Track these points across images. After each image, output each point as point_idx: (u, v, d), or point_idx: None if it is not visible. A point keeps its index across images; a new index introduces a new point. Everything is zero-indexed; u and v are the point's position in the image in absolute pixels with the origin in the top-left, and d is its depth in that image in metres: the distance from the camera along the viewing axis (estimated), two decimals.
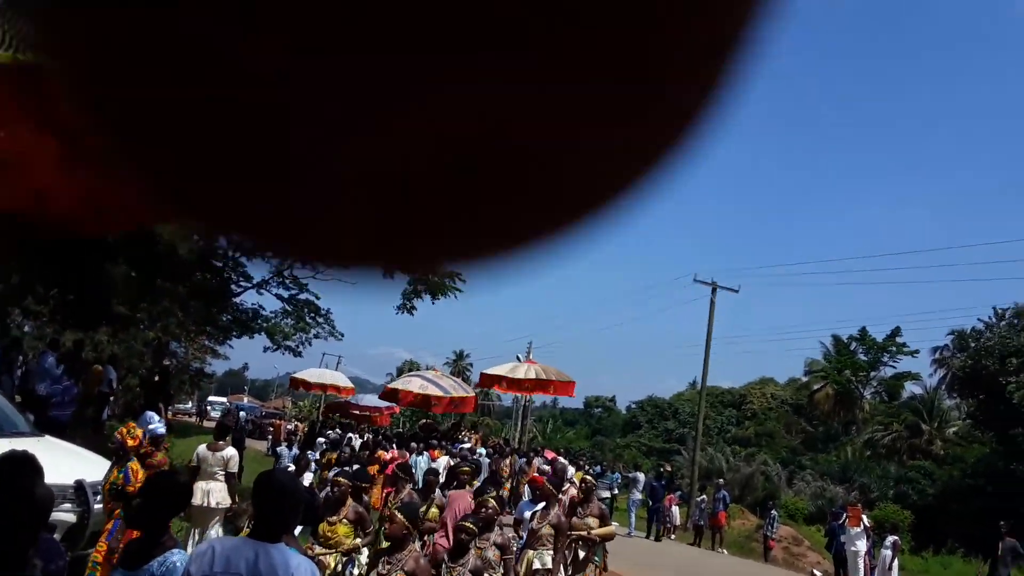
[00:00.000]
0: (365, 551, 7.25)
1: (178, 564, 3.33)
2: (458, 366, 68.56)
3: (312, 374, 28.82)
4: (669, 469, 25.57)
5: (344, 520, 6.76)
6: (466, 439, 20.14)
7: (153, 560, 3.34)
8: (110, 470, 6.89)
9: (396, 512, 5.40)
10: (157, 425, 10.52)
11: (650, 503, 21.85)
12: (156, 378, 25.50)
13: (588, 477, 9.49)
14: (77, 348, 18.14)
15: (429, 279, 19.25)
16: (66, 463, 7.49)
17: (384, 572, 5.23)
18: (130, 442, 7.12)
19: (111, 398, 17.93)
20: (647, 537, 20.83)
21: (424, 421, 25.75)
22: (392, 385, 23.02)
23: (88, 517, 7.27)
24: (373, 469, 14.57)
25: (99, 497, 7.55)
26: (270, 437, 32.83)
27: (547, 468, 17.93)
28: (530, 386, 21.37)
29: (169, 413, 23.34)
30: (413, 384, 21.64)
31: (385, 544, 6.87)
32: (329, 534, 6.72)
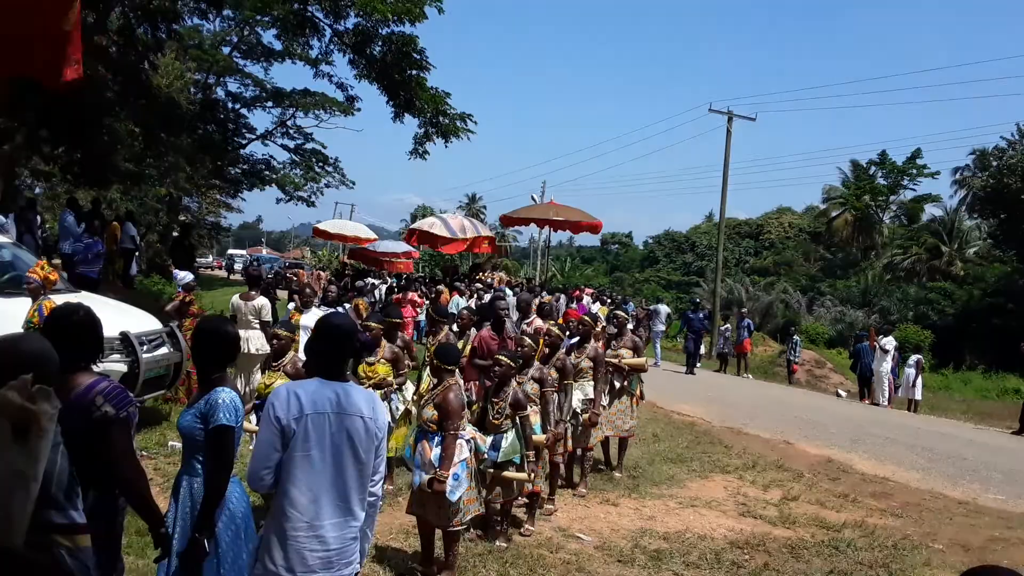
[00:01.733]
0: (409, 385, 7.46)
1: (223, 400, 3.34)
2: (472, 209, 68.57)
3: (333, 225, 28.98)
4: (699, 302, 25.42)
5: (382, 360, 7.03)
6: (490, 279, 20.35)
7: (202, 399, 3.40)
8: (29, 309, 6.86)
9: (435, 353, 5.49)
10: (186, 274, 10.66)
11: (688, 334, 21.65)
12: (176, 233, 25.63)
13: (620, 312, 9.56)
14: (95, 206, 18.08)
15: (440, 121, 18.83)
16: (107, 316, 7.57)
17: (423, 404, 5.46)
18: (52, 277, 7.17)
19: (136, 253, 18.07)
20: (687, 372, 20.56)
21: (446, 264, 26.01)
22: (415, 226, 23.02)
23: (138, 366, 7.46)
24: (405, 311, 14.88)
25: (145, 347, 7.75)
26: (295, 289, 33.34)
27: (573, 306, 18.27)
28: (551, 225, 21.44)
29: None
30: (436, 227, 21.62)
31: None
32: (369, 374, 6.94)
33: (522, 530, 6.49)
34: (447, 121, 18.92)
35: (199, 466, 3.35)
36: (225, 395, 3.35)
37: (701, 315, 22.24)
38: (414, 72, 17.96)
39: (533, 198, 40.24)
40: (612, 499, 7.77)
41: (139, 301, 10.98)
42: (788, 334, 24.33)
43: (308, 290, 10.48)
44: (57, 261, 14.13)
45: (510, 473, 5.94)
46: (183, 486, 3.38)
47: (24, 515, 2.26)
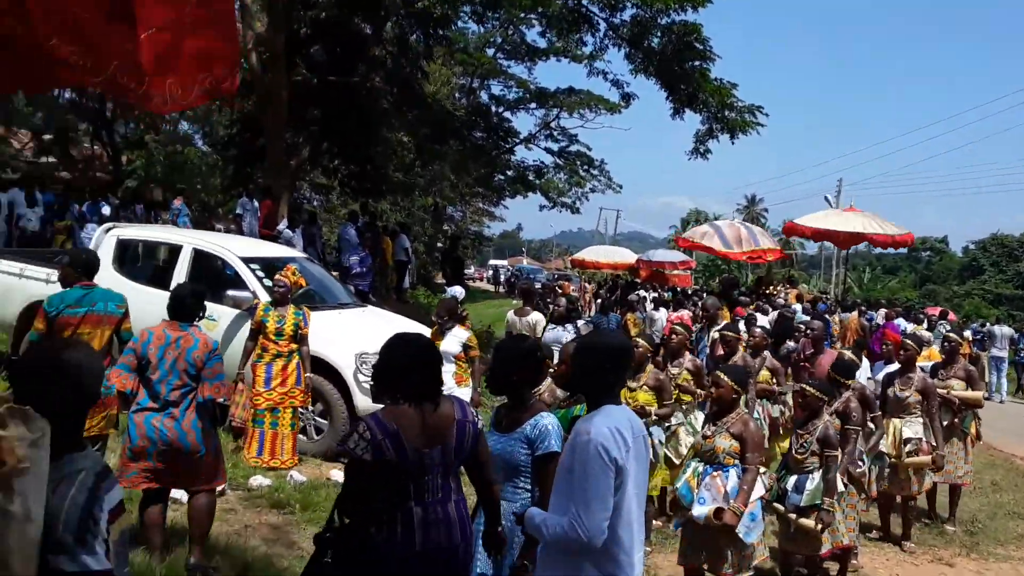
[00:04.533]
0: (699, 415, 7.38)
1: (550, 427, 3.63)
2: (751, 212, 66.66)
3: (592, 252, 29.62)
4: None
5: (644, 386, 6.74)
6: (779, 294, 19.59)
7: (525, 423, 3.68)
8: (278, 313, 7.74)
9: (722, 374, 5.36)
10: (458, 289, 11.47)
11: None
12: (442, 244, 27.66)
13: (951, 334, 8.82)
14: (372, 219, 19.92)
15: (726, 116, 18.50)
16: (391, 330, 8.38)
17: (708, 434, 5.29)
18: (301, 282, 8.08)
19: (408, 266, 19.68)
20: None
21: (725, 275, 25.41)
22: (687, 235, 22.79)
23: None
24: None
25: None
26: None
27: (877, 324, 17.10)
28: (847, 239, 19.66)
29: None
30: (708, 236, 21.23)
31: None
32: (629, 400, 6.61)
33: None
34: (733, 115, 18.57)
35: (516, 491, 3.64)
36: (551, 420, 3.62)
37: None
38: (697, 63, 17.86)
39: (827, 199, 38.29)
40: (946, 558, 7.24)
41: (411, 314, 11.97)
42: None
43: (564, 304, 10.37)
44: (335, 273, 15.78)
45: (806, 521, 5.72)
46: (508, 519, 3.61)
47: (26, 560, 2.08)
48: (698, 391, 7.32)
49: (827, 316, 14.41)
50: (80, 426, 2.34)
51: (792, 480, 5.81)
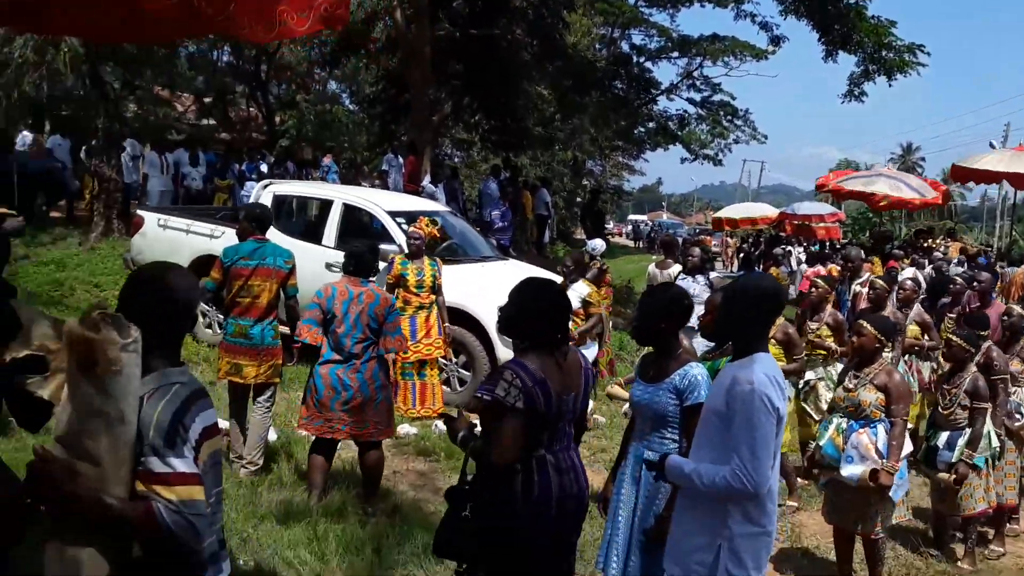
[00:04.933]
0: (839, 367, 7.04)
1: (699, 377, 3.57)
2: (906, 162, 63.08)
3: (733, 210, 28.60)
4: None
5: (771, 340, 6.21)
6: (939, 247, 18.47)
7: (673, 373, 3.62)
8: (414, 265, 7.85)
9: (865, 323, 5.13)
10: (599, 242, 11.40)
11: None
12: (580, 199, 27.59)
13: None
14: (514, 173, 20.02)
15: (884, 56, 17.50)
16: None
17: (851, 387, 5.03)
18: (436, 233, 8.15)
19: (548, 220, 19.72)
20: None
21: (877, 228, 24.15)
22: (836, 183, 21.52)
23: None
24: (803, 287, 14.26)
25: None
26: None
27: None
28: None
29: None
30: (858, 183, 20.05)
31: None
32: None
33: (987, 550, 5.94)
34: (891, 55, 17.60)
35: (663, 442, 3.62)
36: (701, 371, 3.59)
37: None
38: (852, 1, 16.96)
39: (992, 146, 35.66)
40: None
41: (551, 269, 12.01)
42: None
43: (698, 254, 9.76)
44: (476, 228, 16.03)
45: (943, 476, 5.50)
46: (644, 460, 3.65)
47: (118, 461, 2.15)
48: (835, 347, 7.04)
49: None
50: (176, 344, 2.43)
51: (943, 437, 5.57)
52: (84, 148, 16.44)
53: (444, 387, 8.37)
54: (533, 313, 3.22)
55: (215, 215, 11.31)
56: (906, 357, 7.73)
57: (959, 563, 5.67)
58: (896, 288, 8.37)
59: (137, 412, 2.19)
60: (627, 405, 6.15)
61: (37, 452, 2.15)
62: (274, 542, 4.78)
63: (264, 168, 16.35)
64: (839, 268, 15.83)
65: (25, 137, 18.92)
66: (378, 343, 5.39)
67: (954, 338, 5.73)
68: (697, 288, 8.60)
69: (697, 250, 8.62)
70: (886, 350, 7.40)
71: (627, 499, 3.76)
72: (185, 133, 22.83)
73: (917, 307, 8.10)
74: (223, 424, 6.61)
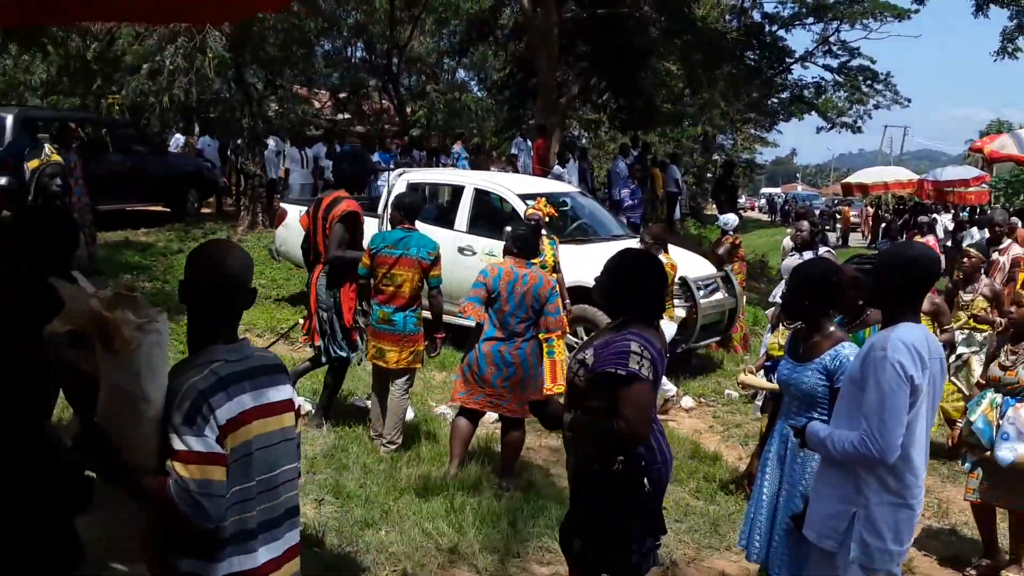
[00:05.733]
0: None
1: (850, 357, 3.40)
2: None
3: (864, 175, 27.11)
4: None
5: None
6: None
7: (824, 353, 3.51)
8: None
9: (1023, 294, 4.82)
10: (732, 216, 11.14)
11: None
12: (712, 174, 26.92)
13: None
14: (644, 151, 19.82)
15: None
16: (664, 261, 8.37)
17: (1008, 364, 4.74)
18: (552, 212, 7.81)
19: (679, 197, 19.43)
20: None
21: None
22: (982, 145, 20.00)
23: (696, 311, 8.12)
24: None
25: (702, 292, 8.40)
26: (838, 227, 32.67)
27: None
28: None
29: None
30: (1009, 146, 18.60)
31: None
32: None
33: None
34: None
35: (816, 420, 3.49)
36: (852, 351, 3.45)
37: None
38: None
39: None
40: None
41: (682, 246, 11.84)
42: None
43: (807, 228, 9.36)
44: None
45: None
46: (791, 442, 3.60)
47: (141, 437, 2.19)
48: (997, 319, 6.64)
49: None
50: (230, 321, 2.43)
51: None
52: (230, 147, 17.36)
53: None
54: (634, 285, 3.20)
55: None
56: None
57: None
58: None
59: (164, 389, 2.23)
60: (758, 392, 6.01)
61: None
62: (414, 514, 4.96)
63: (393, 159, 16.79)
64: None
65: (178, 140, 20.11)
66: (539, 323, 5.51)
67: None
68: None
69: (806, 224, 8.20)
70: None
71: (771, 478, 3.72)
72: (323, 128, 23.69)
73: None
74: (361, 403, 6.91)
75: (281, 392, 2.45)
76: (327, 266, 6.11)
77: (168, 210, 14.89)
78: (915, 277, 3.04)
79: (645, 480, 3.13)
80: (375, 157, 16.72)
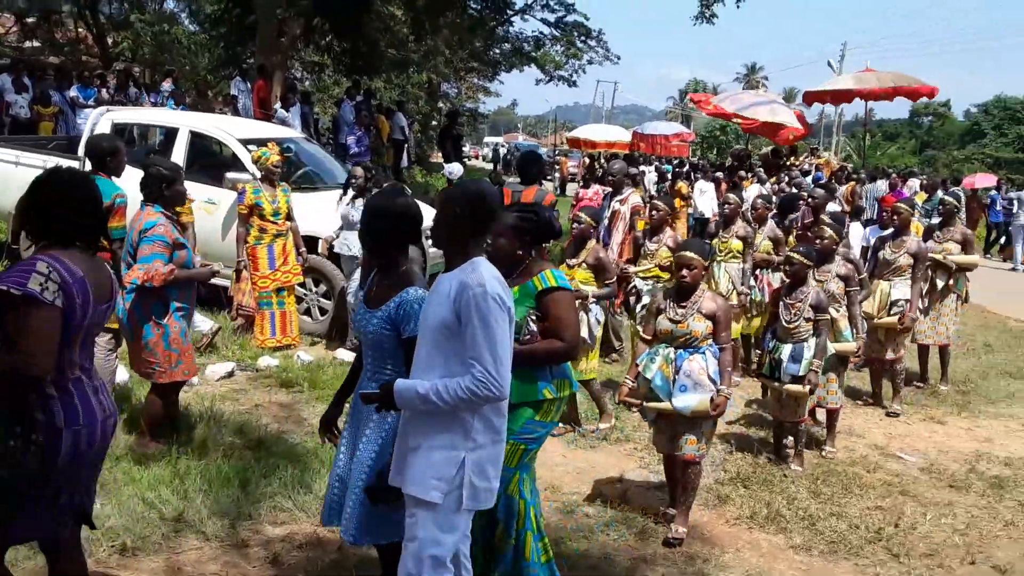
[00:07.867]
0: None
1: (416, 305, 3.20)
2: (751, 81, 65.19)
3: (589, 131, 28.84)
4: None
5: (583, 264, 6.36)
6: (801, 164, 19.16)
7: (391, 300, 3.27)
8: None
9: (691, 253, 4.80)
10: (456, 166, 11.34)
11: None
12: (436, 123, 27.11)
13: (948, 197, 8.77)
14: (368, 96, 19.48)
15: None
16: None
17: (678, 318, 4.76)
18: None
19: (406, 144, 19.34)
20: None
21: (737, 148, 24.92)
22: (710, 101, 21.60)
23: (425, 260, 8.16)
24: (679, 204, 14.66)
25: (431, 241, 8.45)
26: (556, 176, 34.21)
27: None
28: (871, 98, 19.15)
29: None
30: (728, 101, 20.32)
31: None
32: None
33: (823, 451, 6.33)
34: None
35: (391, 374, 3.27)
36: (414, 295, 3.25)
37: None
38: None
39: (831, 64, 37.34)
40: (937, 416, 7.39)
41: (415, 194, 11.91)
42: None
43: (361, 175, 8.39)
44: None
45: (795, 387, 5.72)
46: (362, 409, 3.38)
47: None
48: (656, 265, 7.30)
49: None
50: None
51: (786, 350, 5.79)
52: None
53: (305, 316, 8.29)
54: (47, 210, 2.99)
55: (47, 145, 10.55)
56: (757, 271, 8.06)
57: (792, 465, 5.91)
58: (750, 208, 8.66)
59: None
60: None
61: None
62: (133, 482, 4.63)
63: (105, 94, 15.26)
64: (687, 186, 16.42)
65: None
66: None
67: (794, 255, 5.91)
68: (356, 214, 7.47)
69: (360, 170, 8.19)
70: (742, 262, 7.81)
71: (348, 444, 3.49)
72: (7, 57, 21.03)
73: (770, 223, 8.41)
74: None
75: None
76: None
77: None
78: (470, 213, 2.97)
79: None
80: (73, 91, 15.10)
